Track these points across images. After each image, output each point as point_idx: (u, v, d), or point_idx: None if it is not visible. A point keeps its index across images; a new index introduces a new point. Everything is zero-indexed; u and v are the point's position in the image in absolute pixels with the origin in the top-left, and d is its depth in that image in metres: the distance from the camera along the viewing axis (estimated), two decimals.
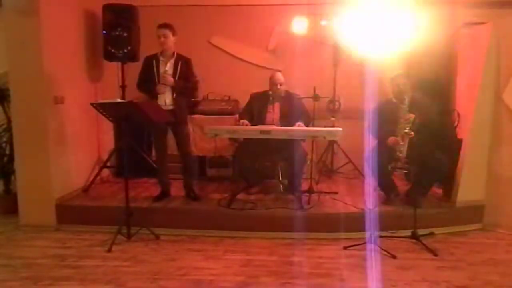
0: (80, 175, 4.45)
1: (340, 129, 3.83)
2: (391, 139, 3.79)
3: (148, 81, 3.97)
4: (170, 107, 3.99)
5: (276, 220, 3.79)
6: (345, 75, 4.92)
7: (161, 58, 3.99)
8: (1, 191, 4.39)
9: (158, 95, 3.96)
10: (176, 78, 3.95)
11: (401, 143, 3.72)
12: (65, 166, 4.16)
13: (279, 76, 4.22)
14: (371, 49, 4.44)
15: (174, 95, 3.98)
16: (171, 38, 3.94)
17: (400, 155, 3.71)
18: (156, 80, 3.95)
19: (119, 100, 3.84)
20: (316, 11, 4.90)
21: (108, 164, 4.71)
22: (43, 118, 3.90)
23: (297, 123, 4.04)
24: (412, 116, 3.71)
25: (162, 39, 3.91)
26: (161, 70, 3.96)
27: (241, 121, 4.11)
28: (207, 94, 5.05)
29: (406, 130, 3.68)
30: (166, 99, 3.98)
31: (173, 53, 4.00)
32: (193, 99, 4.78)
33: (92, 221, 3.90)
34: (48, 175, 3.94)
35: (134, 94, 4.38)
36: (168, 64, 3.98)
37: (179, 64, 3.98)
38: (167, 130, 4.08)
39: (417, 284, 2.91)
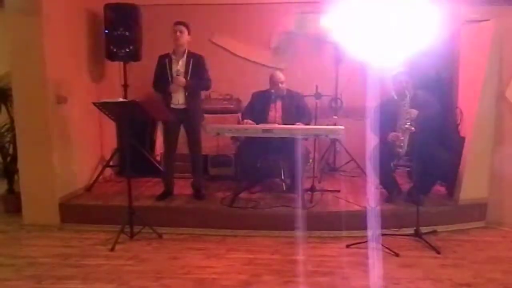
0: (83, 175, 4.46)
1: (342, 127, 3.83)
2: (391, 135, 3.79)
3: (162, 80, 4.00)
4: (183, 106, 4.01)
5: (279, 218, 3.79)
6: (347, 73, 4.92)
7: (173, 57, 4.01)
8: (5, 191, 4.40)
9: (172, 94, 3.98)
10: (189, 76, 3.97)
11: (402, 138, 3.71)
12: (68, 165, 4.17)
13: (280, 75, 4.22)
14: (373, 47, 4.44)
15: (187, 94, 3.99)
16: (186, 35, 3.96)
17: (400, 150, 3.71)
18: (170, 79, 3.97)
19: (121, 99, 3.85)
20: (318, 9, 4.90)
21: (111, 163, 4.73)
22: (45, 118, 3.91)
23: (296, 124, 4.03)
24: (415, 112, 3.70)
25: (178, 33, 3.93)
26: (174, 68, 3.98)
27: (245, 120, 4.12)
28: (209, 93, 5.04)
29: (407, 125, 3.67)
30: (179, 98, 4.00)
31: (185, 50, 4.01)
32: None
33: (95, 220, 3.91)
34: (51, 175, 3.95)
35: (136, 93, 4.39)
36: (180, 62, 3.99)
37: (191, 62, 3.99)
38: (179, 128, 4.09)
39: (420, 282, 2.90)
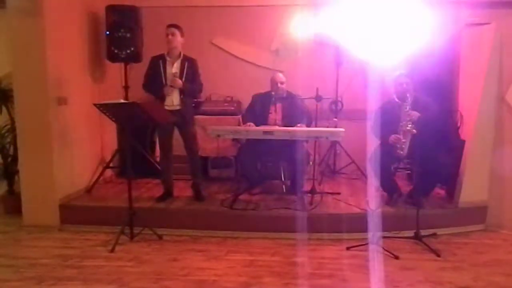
0: (83, 176, 4.46)
1: (343, 129, 3.84)
2: (392, 137, 3.79)
3: (155, 81, 3.99)
4: (177, 107, 4.01)
5: (279, 220, 3.79)
6: (347, 76, 4.92)
7: (167, 59, 4.01)
8: (5, 192, 4.41)
9: (166, 96, 3.98)
10: (183, 79, 3.97)
11: (403, 140, 3.72)
12: (68, 166, 4.17)
13: (281, 76, 4.25)
14: (373, 50, 4.45)
15: (182, 96, 4.00)
16: (179, 38, 3.97)
17: (401, 152, 3.71)
18: (164, 81, 3.97)
19: (122, 100, 3.86)
20: (319, 11, 4.91)
21: (111, 164, 4.72)
22: (46, 119, 3.91)
23: (298, 125, 4.04)
24: (416, 114, 3.71)
25: (170, 36, 3.94)
26: (168, 70, 3.98)
27: (247, 123, 4.12)
28: (210, 95, 5.06)
29: (408, 127, 3.68)
30: (173, 100, 4.00)
31: (180, 53, 4.02)
32: (195, 100, 4.80)
33: (95, 221, 3.91)
34: (52, 176, 3.95)
35: (137, 94, 4.39)
36: (175, 65, 4.00)
37: (186, 65, 4.00)
38: (173, 130, 4.09)
39: (420, 285, 2.90)
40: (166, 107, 3.99)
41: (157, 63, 4.00)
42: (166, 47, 4.00)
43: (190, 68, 4.02)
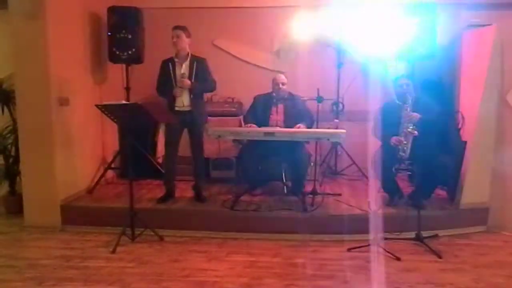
0: (84, 176, 4.47)
1: (344, 131, 3.84)
2: (394, 138, 3.79)
3: (166, 84, 4.01)
4: (188, 108, 4.02)
5: (280, 221, 3.79)
6: (348, 77, 4.92)
7: (176, 60, 4.02)
8: (6, 192, 4.41)
9: (176, 97, 3.99)
10: (193, 79, 3.98)
11: (404, 142, 3.72)
12: (70, 167, 4.18)
13: (282, 77, 4.26)
14: (374, 51, 4.46)
15: (192, 96, 4.00)
16: (184, 39, 3.98)
17: (403, 154, 3.71)
18: (174, 83, 3.98)
19: (123, 101, 3.87)
20: (320, 13, 4.91)
21: (113, 165, 4.73)
22: (48, 120, 3.92)
23: (297, 125, 4.04)
24: (417, 115, 3.70)
25: (174, 39, 3.95)
26: (177, 72, 4.00)
27: (249, 124, 4.12)
28: (211, 96, 5.06)
29: (409, 129, 3.67)
30: (184, 101, 4.01)
31: (188, 54, 4.03)
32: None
33: (97, 222, 3.91)
34: (53, 176, 3.96)
35: (138, 95, 4.40)
36: (184, 66, 4.01)
37: (195, 65, 4.01)
38: (182, 131, 4.10)
39: (421, 287, 2.90)
40: (177, 108, 4.00)
41: (167, 66, 4.02)
42: (174, 49, 4.02)
43: (199, 67, 4.03)
